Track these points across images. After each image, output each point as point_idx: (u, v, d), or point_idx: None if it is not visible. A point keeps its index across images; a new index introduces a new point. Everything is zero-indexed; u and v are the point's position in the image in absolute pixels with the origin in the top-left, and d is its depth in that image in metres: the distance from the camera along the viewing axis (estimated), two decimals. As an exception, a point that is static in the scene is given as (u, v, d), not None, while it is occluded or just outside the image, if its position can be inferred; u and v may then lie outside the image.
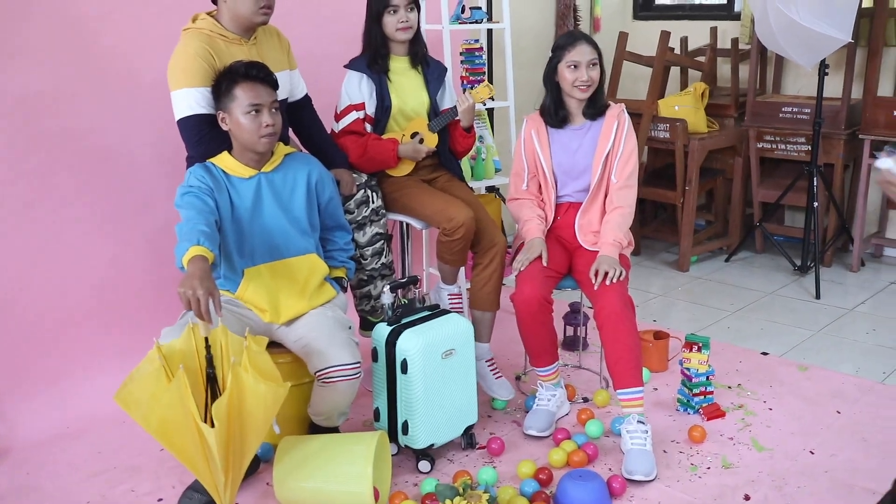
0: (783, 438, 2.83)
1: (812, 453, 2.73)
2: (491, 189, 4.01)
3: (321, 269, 2.67)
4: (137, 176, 3.21)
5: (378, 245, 3.06)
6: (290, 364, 2.57)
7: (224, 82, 2.49)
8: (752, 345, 3.62)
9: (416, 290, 2.85)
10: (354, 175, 3.03)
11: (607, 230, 2.87)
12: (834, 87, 4.56)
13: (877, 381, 3.26)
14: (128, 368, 2.13)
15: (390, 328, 2.63)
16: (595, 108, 2.92)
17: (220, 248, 2.45)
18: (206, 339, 2.15)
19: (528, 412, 2.95)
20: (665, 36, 4.57)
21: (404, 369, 2.56)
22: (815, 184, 4.26)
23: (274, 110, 2.50)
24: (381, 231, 3.07)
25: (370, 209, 3.03)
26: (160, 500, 2.54)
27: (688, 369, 3.02)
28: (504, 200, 3.95)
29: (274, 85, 2.53)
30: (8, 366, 2.94)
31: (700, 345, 3.02)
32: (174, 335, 2.25)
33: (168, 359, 2.11)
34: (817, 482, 2.56)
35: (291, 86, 2.92)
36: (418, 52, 3.12)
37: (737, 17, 5.21)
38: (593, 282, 2.76)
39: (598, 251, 2.86)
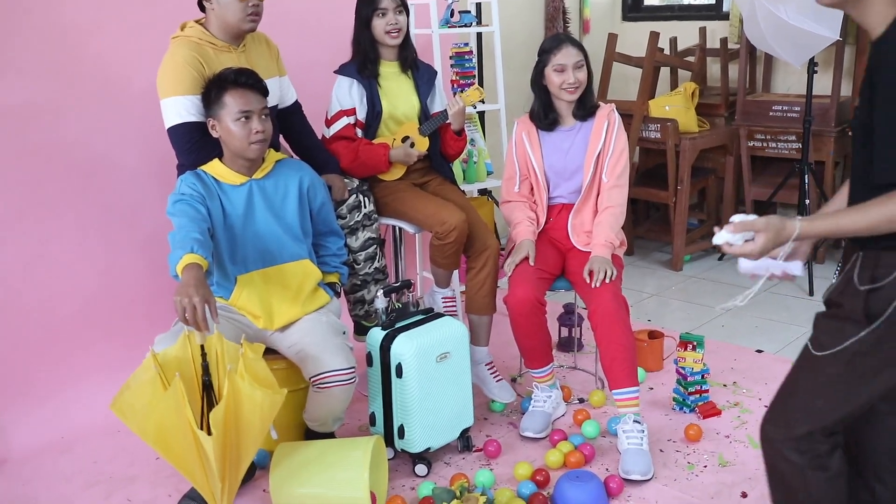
0: (779, 435, 2.83)
1: (808, 449, 2.73)
2: (483, 192, 4.02)
3: (314, 274, 2.67)
4: (127, 185, 3.21)
5: (371, 250, 3.06)
6: (285, 370, 2.57)
7: (213, 89, 2.49)
8: (747, 342, 3.63)
9: (410, 294, 2.85)
10: (346, 180, 3.03)
11: (599, 231, 2.88)
12: (823, 84, 4.58)
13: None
14: (123, 377, 2.13)
15: (384, 333, 2.63)
16: (585, 108, 2.93)
17: (213, 255, 2.44)
18: (202, 347, 2.15)
19: (524, 414, 2.95)
20: (654, 37, 4.59)
21: (399, 373, 2.56)
22: (806, 181, 4.28)
23: (264, 117, 2.50)
24: (373, 236, 3.07)
25: (362, 214, 3.03)
26: (157, 508, 2.54)
27: (683, 368, 3.02)
28: (497, 203, 3.97)
29: (263, 91, 2.53)
30: (1, 376, 2.93)
31: (695, 343, 3.03)
32: (168, 342, 2.25)
33: (164, 367, 2.11)
34: (813, 478, 2.56)
35: (281, 92, 2.92)
36: (408, 57, 3.12)
37: (725, 16, 5.23)
38: (588, 281, 2.76)
39: (590, 252, 2.86)
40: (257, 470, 2.65)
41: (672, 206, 4.66)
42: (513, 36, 4.78)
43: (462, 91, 3.23)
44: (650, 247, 5.09)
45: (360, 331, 3.14)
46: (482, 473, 2.55)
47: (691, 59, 5.09)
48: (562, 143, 2.96)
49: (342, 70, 3.08)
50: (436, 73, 3.24)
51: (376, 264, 3.08)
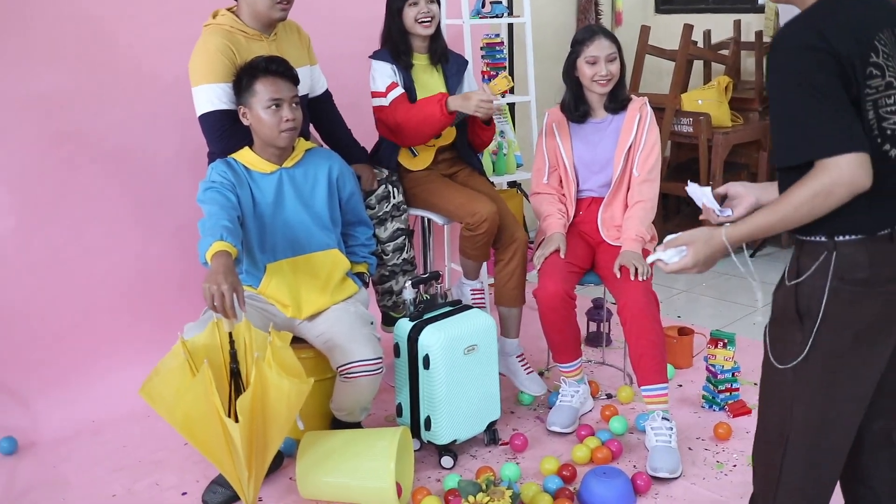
0: (811, 435, 2.78)
1: (840, 450, 2.69)
2: (512, 184, 3.99)
3: (343, 264, 2.66)
4: (159, 172, 3.23)
5: (400, 240, 3.05)
6: (312, 359, 2.56)
7: (245, 77, 2.49)
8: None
9: (438, 286, 2.83)
10: (375, 170, 3.02)
11: (629, 225, 2.84)
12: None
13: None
14: (152, 363, 2.14)
15: (412, 324, 2.62)
16: (616, 101, 2.89)
17: (243, 243, 2.45)
18: (230, 335, 2.15)
19: (551, 408, 2.93)
20: (688, 29, 4.53)
21: (426, 365, 2.55)
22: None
23: (294, 105, 2.49)
24: (402, 226, 3.06)
25: (391, 204, 3.02)
26: (184, 493, 2.55)
27: (713, 366, 2.98)
28: (526, 195, 3.95)
29: (294, 80, 2.52)
30: (33, 360, 2.97)
31: (726, 341, 2.99)
32: (197, 330, 2.25)
33: (192, 354, 2.11)
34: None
35: (312, 81, 2.91)
36: (437, 49, 3.08)
37: (761, 9, 5.15)
38: (618, 276, 2.73)
39: (620, 246, 2.83)
40: (284, 458, 2.65)
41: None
42: (544, 27, 4.74)
43: (490, 81, 3.17)
44: (680, 242, 5.03)
45: (388, 321, 3.13)
46: (508, 467, 2.54)
47: (725, 52, 5.02)
48: (592, 135, 2.93)
49: (378, 55, 3.03)
50: (466, 62, 3.19)
51: (405, 255, 3.07)
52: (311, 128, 2.99)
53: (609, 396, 3.11)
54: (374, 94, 3.01)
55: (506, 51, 3.97)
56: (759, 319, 3.84)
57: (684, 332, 3.38)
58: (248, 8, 2.66)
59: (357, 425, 2.65)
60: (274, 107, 2.45)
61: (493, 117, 3.09)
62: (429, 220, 3.25)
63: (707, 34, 5.18)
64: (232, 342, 2.16)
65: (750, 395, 3.06)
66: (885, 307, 1.59)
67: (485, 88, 2.92)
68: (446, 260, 3.94)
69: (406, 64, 3.01)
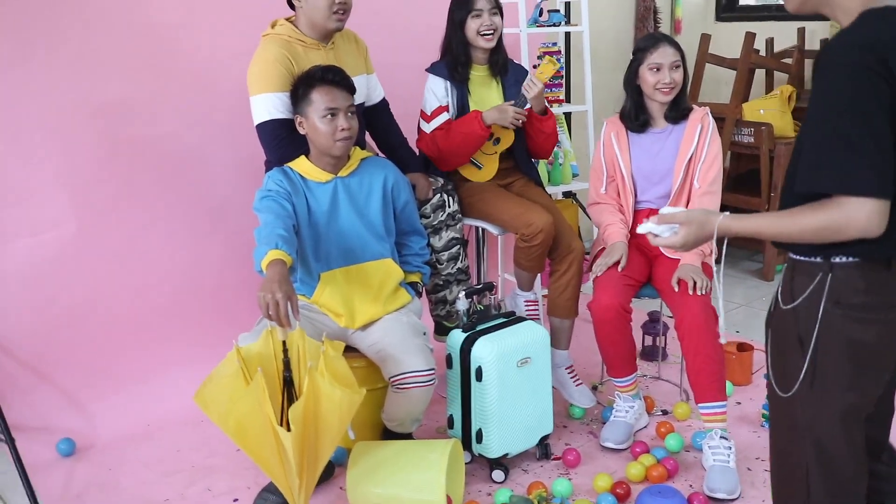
0: (877, 458, 2.68)
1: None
2: (568, 194, 3.94)
3: (396, 273, 2.65)
4: (217, 180, 3.27)
5: (454, 250, 3.03)
6: (364, 369, 2.56)
7: (301, 87, 2.50)
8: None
9: (492, 297, 2.81)
10: (430, 179, 3.01)
11: (690, 237, 2.77)
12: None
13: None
14: (207, 369, 2.15)
15: (465, 335, 2.60)
16: (678, 111, 2.83)
17: (297, 252, 2.46)
18: (284, 343, 2.16)
19: (604, 423, 2.87)
20: (750, 37, 4.43)
21: (479, 377, 2.52)
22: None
23: (350, 114, 2.50)
24: (457, 236, 3.04)
25: (446, 213, 3.01)
26: (236, 500, 2.57)
27: (774, 383, 2.89)
28: (581, 206, 3.90)
29: (351, 89, 2.53)
30: (91, 363, 3.03)
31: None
32: (252, 339, 2.27)
33: (246, 361, 2.13)
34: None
35: (368, 90, 2.92)
36: (498, 61, 3.06)
37: (825, 17, 5.00)
38: (676, 290, 2.67)
39: (679, 259, 2.77)
40: (335, 468, 2.65)
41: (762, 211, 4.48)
42: (602, 36, 4.69)
43: (535, 68, 3.09)
44: (739, 255, 4.92)
45: (441, 331, 3.12)
46: (560, 483, 2.49)
47: (789, 60, 4.89)
48: (652, 145, 2.87)
49: (434, 69, 3.04)
50: (526, 72, 3.15)
51: (459, 265, 3.05)
52: (368, 136, 3.00)
53: (665, 413, 3.04)
54: (422, 115, 3.04)
55: (563, 60, 3.93)
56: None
57: (743, 347, 3.29)
58: (305, 18, 2.68)
59: (408, 436, 2.64)
60: (329, 116, 2.46)
61: (548, 106, 3.04)
62: (483, 230, 3.22)
63: (770, 42, 5.06)
64: (285, 351, 2.16)
65: (812, 414, 2.97)
66: (881, 335, 1.52)
67: (534, 81, 2.89)
68: (500, 270, 3.91)
69: (462, 78, 3.00)
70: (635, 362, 2.87)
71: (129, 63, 3.03)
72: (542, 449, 2.73)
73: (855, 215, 1.42)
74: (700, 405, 2.64)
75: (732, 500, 2.46)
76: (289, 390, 2.16)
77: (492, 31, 2.95)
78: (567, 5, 4.13)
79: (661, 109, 2.84)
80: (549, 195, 3.26)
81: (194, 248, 3.24)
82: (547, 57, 3.01)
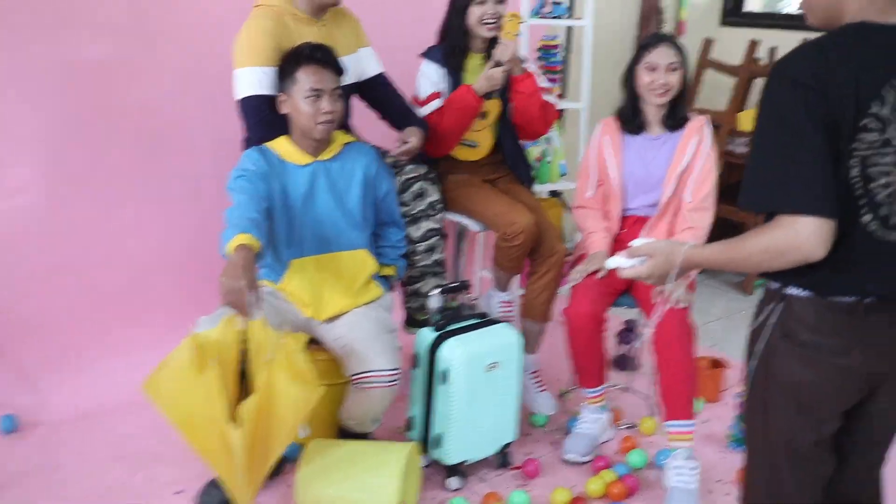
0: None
1: None
2: (555, 193, 3.86)
3: (370, 265, 2.58)
4: (193, 156, 3.15)
5: (432, 241, 2.94)
6: (326, 363, 2.48)
7: (287, 64, 2.41)
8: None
9: (467, 296, 2.73)
10: (413, 165, 2.90)
11: (676, 250, 2.71)
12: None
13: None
14: (164, 352, 2.07)
15: (435, 334, 2.53)
16: (675, 117, 2.75)
17: (269, 236, 2.37)
18: (243, 333, 2.08)
19: (568, 434, 2.82)
20: (753, 45, 4.35)
21: (445, 379, 2.46)
22: None
23: (335, 97, 2.41)
24: (436, 226, 2.95)
25: (426, 203, 2.91)
26: (179, 492, 2.48)
27: (744, 406, 2.85)
28: (567, 206, 3.82)
29: (338, 70, 2.44)
30: (48, 338, 2.92)
31: (760, 382, 2.85)
32: (211, 324, 2.18)
33: (203, 349, 2.04)
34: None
35: (361, 67, 2.81)
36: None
37: (832, 30, 4.92)
38: (655, 302, 2.61)
39: (661, 272, 2.70)
40: (287, 464, 2.55)
41: (751, 225, 4.42)
42: (604, 32, 4.56)
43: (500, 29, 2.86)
44: (722, 265, 4.86)
45: (413, 323, 3.04)
46: (517, 495, 2.44)
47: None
48: (646, 151, 2.79)
49: (429, 54, 2.95)
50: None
51: (436, 256, 2.96)
52: (369, 111, 2.89)
53: (631, 426, 2.99)
54: (415, 100, 2.94)
55: (561, 55, 3.83)
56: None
57: (718, 363, 3.24)
58: None
59: (365, 436, 2.56)
60: (314, 97, 2.37)
61: (526, 67, 2.93)
62: (464, 225, 3.14)
63: (772, 51, 4.97)
64: (244, 340, 2.08)
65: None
66: (823, 379, 1.47)
67: (504, 42, 2.79)
68: (477, 266, 3.83)
69: (458, 65, 2.91)
70: (605, 374, 2.81)
71: (114, 25, 2.91)
72: (502, 458, 2.67)
73: (793, 235, 1.36)
74: (667, 423, 2.59)
75: (691, 525, 2.42)
76: (244, 383, 2.09)
77: (495, 20, 2.85)
78: (572, -3, 4.03)
79: (658, 114, 2.76)
80: (535, 195, 3.18)
81: (166, 225, 3.13)
82: (509, 13, 2.83)
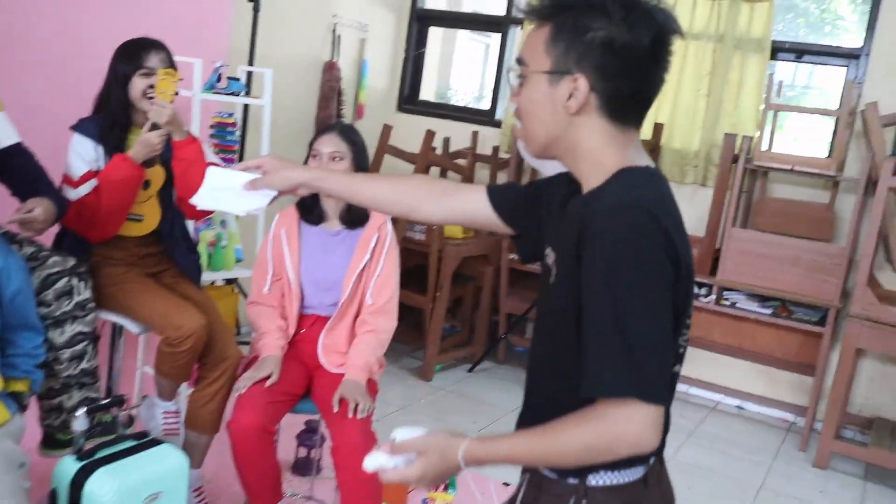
0: None
1: None
2: (230, 281, 3.56)
3: (-8, 383, 2.08)
4: None
5: (79, 347, 2.50)
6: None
7: None
8: (493, 473, 3.43)
9: (121, 413, 2.33)
10: (57, 258, 2.46)
11: (358, 352, 2.56)
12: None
13: None
14: None
15: (79, 464, 2.10)
16: (352, 214, 2.62)
17: None
18: None
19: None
20: (430, 135, 4.46)
21: (90, 523, 2.03)
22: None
23: None
24: (85, 330, 2.51)
25: (73, 303, 2.47)
26: None
27: (430, 512, 2.75)
28: (244, 294, 3.54)
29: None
30: None
31: (447, 483, 2.77)
32: None
33: None
34: None
35: None
36: None
37: (497, 124, 5.25)
38: (336, 409, 2.42)
39: (342, 374, 2.53)
40: None
41: (429, 311, 4.47)
42: (284, 109, 4.42)
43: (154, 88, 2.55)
44: (401, 350, 4.85)
45: (52, 445, 2.54)
46: None
47: (463, 161, 5.02)
48: (324, 246, 2.63)
49: (82, 128, 2.56)
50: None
51: (84, 364, 2.52)
52: None
53: (313, 543, 2.75)
54: (66, 180, 2.52)
55: (238, 133, 3.59)
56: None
57: (400, 463, 3.12)
58: None
59: None
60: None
61: (188, 131, 2.66)
62: (121, 326, 2.72)
63: (446, 141, 5.17)
64: None
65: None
66: None
67: (160, 103, 2.49)
68: (139, 363, 3.37)
69: (117, 144, 2.55)
70: (281, 488, 2.55)
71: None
72: None
73: (623, 427, 1.14)
74: (353, 539, 2.38)
75: None
76: None
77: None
78: (249, 74, 3.81)
79: (336, 208, 2.62)
80: (204, 288, 2.86)
81: None
82: (161, 70, 2.51)
